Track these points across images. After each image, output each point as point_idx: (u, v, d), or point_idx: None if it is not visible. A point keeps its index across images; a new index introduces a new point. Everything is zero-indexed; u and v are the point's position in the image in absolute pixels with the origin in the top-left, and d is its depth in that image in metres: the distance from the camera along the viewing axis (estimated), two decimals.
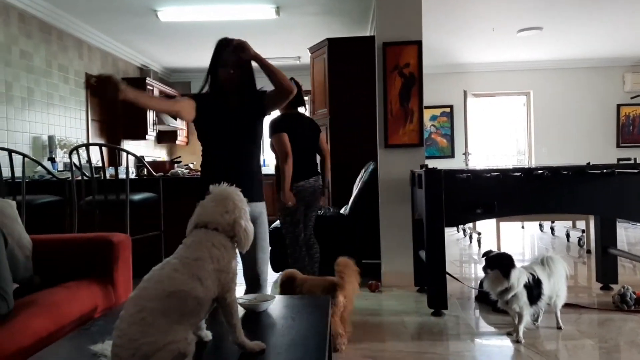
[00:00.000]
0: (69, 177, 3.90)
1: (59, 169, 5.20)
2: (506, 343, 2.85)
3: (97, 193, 3.65)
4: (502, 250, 3.29)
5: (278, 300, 2.19)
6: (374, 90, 4.43)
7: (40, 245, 2.49)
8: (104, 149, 3.93)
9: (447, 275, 3.36)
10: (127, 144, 7.38)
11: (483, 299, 3.56)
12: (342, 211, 4.76)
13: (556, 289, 2.98)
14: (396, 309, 3.55)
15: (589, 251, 5.45)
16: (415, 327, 3.15)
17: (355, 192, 4.69)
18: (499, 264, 2.82)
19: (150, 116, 7.52)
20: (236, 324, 1.54)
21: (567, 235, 6.35)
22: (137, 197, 3.80)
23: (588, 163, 3.72)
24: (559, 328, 3.03)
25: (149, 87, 7.44)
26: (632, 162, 4.16)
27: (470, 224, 6.52)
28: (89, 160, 3.64)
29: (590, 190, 3.33)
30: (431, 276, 3.33)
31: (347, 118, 5.27)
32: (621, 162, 4.24)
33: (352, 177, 4.97)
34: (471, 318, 3.35)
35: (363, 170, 4.79)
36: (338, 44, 5.44)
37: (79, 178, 3.77)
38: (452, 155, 8.90)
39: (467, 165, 8.12)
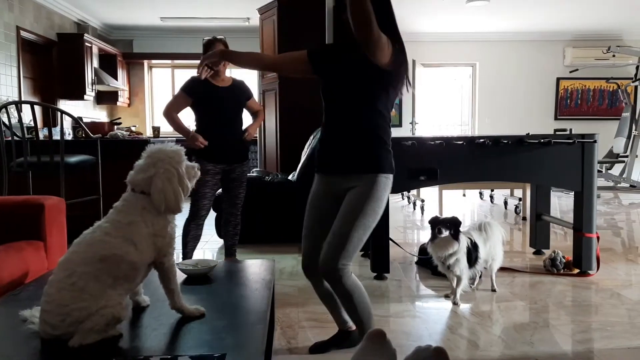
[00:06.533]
0: None
1: None
2: (444, 305, 2.96)
3: (29, 154, 3.46)
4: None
5: (220, 266, 2.17)
6: None
7: None
8: (37, 108, 3.70)
9: (389, 241, 3.43)
10: (64, 104, 6.96)
11: (423, 264, 3.68)
12: (290, 177, 4.74)
13: (492, 253, 3.11)
14: None
15: (524, 218, 5.71)
16: None
17: (303, 158, 4.67)
18: (454, 225, 2.88)
19: (89, 75, 7.11)
20: (174, 288, 1.50)
21: (505, 203, 6.62)
22: (73, 159, 3.62)
23: (527, 133, 3.85)
24: (494, 290, 3.17)
25: (87, 44, 7.01)
26: (567, 133, 4.35)
27: (415, 191, 6.68)
28: (20, 120, 3.42)
29: (528, 160, 3.45)
30: (374, 242, 3.39)
31: (297, 83, 5.17)
32: (558, 133, 4.43)
33: (300, 144, 4.94)
34: (412, 281, 3.46)
35: (312, 137, 4.76)
36: (288, 5, 5.29)
37: (9, 138, 3.54)
38: (399, 124, 9.00)
39: (413, 134, 8.25)
